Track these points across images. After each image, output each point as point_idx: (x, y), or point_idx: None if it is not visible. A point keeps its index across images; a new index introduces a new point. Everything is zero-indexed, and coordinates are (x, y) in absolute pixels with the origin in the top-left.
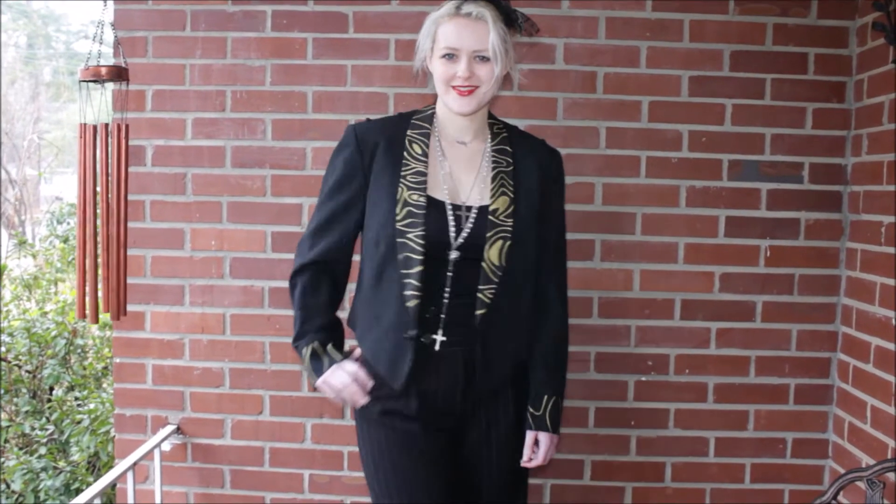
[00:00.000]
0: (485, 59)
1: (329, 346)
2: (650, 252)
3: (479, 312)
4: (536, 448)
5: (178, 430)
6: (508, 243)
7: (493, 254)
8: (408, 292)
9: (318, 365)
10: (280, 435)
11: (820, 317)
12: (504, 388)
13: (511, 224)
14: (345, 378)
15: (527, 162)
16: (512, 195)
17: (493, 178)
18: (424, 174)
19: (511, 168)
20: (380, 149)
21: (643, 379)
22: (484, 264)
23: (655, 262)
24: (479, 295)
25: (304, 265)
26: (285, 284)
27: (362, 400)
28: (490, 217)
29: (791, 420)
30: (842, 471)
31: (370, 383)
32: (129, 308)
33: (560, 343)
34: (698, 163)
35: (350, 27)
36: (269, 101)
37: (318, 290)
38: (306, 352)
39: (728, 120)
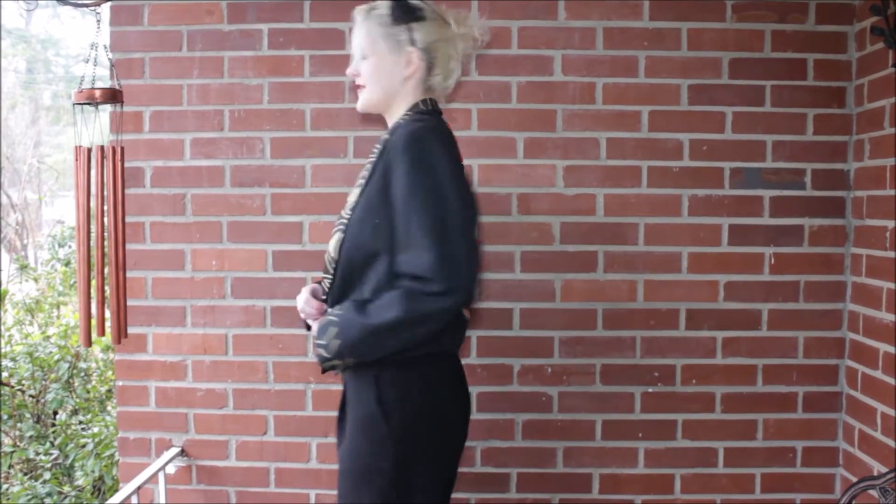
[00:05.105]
0: (365, 56)
1: None
2: (654, 262)
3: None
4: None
5: (183, 453)
6: (341, 235)
7: (331, 246)
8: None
9: None
10: (285, 455)
11: (826, 323)
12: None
13: (348, 217)
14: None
15: (382, 151)
16: (360, 187)
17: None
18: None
19: (371, 158)
20: None
21: (650, 390)
22: (325, 256)
23: (659, 272)
24: (323, 285)
25: None
26: (287, 303)
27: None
28: (341, 212)
29: (800, 428)
30: (853, 479)
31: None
32: (131, 330)
33: (370, 315)
34: (700, 171)
35: (346, 43)
36: (268, 119)
37: None
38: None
39: (728, 128)
